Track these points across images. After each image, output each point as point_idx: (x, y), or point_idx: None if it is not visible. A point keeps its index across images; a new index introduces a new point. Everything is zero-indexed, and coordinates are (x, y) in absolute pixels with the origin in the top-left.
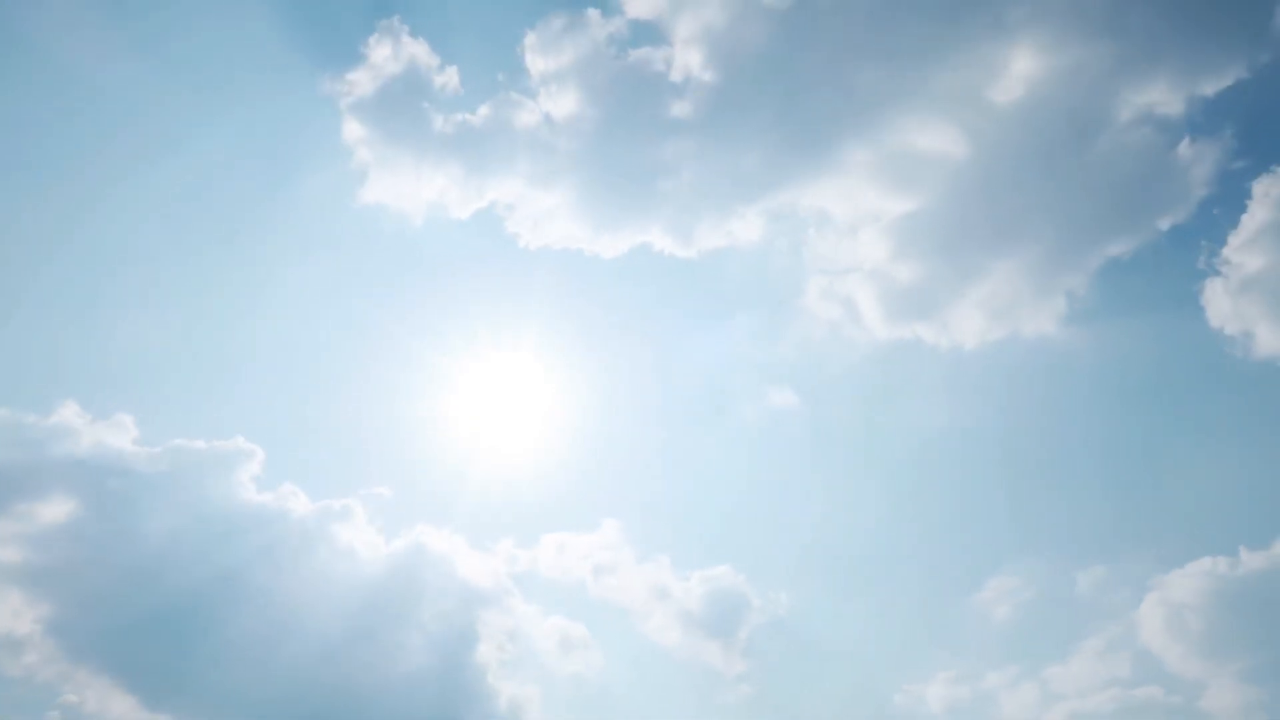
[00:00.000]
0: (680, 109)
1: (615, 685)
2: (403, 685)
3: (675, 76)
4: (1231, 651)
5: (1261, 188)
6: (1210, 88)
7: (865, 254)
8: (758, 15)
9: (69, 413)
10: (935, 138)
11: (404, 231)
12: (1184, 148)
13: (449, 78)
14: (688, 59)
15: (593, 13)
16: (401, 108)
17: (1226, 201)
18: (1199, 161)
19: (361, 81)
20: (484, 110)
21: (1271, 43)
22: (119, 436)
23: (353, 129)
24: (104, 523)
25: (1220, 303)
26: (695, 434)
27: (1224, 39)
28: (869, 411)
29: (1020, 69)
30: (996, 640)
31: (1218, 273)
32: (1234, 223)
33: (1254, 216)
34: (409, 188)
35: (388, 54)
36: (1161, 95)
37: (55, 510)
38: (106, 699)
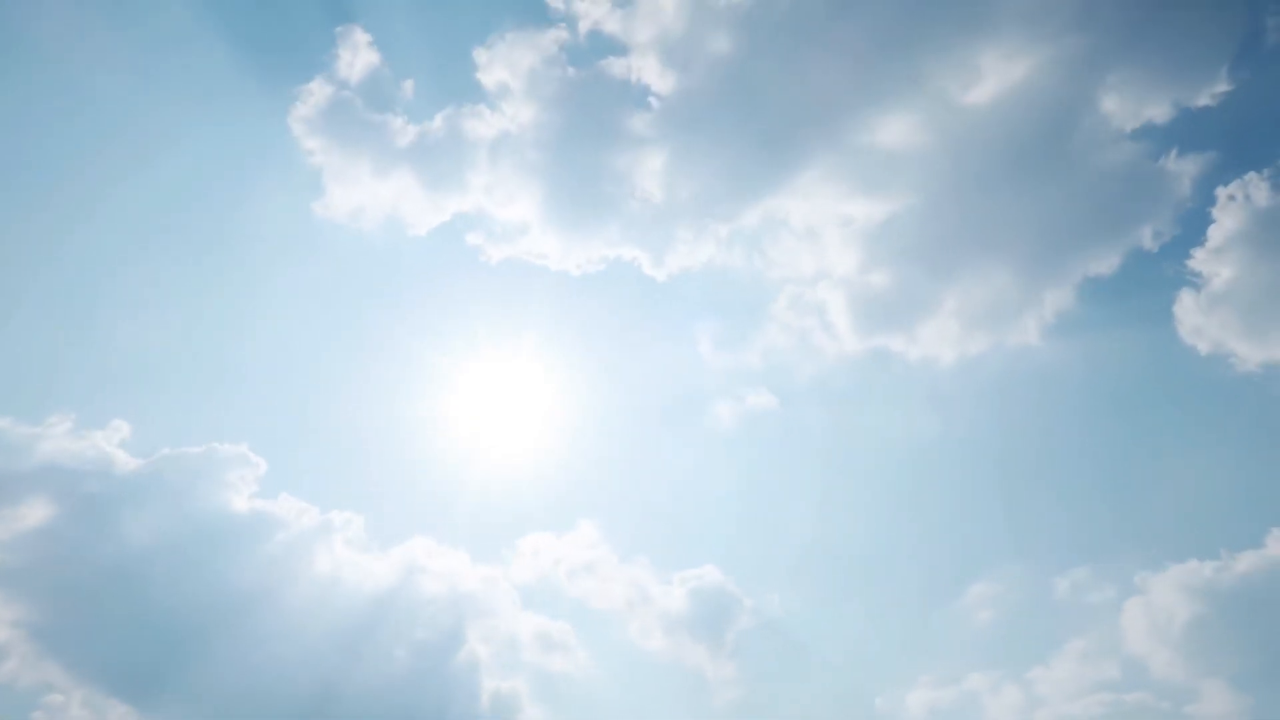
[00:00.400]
0: (643, 120)
1: (603, 688)
2: (391, 689)
3: (636, 87)
4: (1220, 656)
5: (1227, 192)
6: (1198, 97)
7: (835, 260)
8: (720, 21)
9: (59, 418)
10: (906, 141)
11: (370, 243)
12: (1170, 159)
13: (406, 90)
14: (649, 68)
15: (551, 23)
16: (359, 119)
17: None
18: (1184, 172)
19: (318, 92)
20: (442, 123)
21: (1258, 52)
22: (110, 442)
23: (312, 141)
24: (90, 527)
25: (1198, 313)
26: (670, 439)
27: (1211, 45)
28: (849, 419)
29: (997, 71)
30: (980, 645)
31: (1192, 284)
32: (1220, 233)
33: (1222, 227)
34: (373, 197)
35: (346, 64)
36: (1148, 102)
37: (38, 514)
38: (96, 706)
